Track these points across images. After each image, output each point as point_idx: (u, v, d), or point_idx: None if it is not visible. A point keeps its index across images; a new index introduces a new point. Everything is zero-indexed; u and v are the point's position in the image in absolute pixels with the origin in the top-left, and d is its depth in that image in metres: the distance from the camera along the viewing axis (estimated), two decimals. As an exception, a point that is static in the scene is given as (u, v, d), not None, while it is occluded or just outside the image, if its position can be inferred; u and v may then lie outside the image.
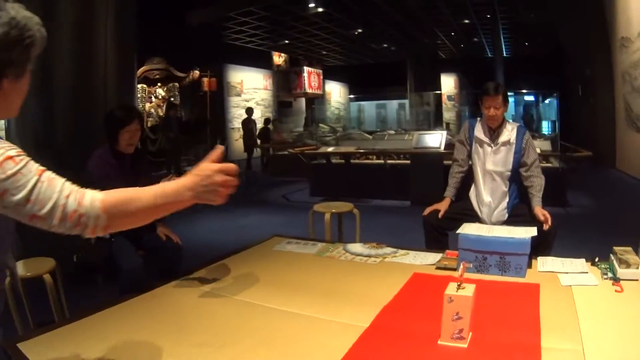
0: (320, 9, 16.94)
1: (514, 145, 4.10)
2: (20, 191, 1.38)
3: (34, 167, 1.45)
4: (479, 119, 4.27)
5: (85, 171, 3.62)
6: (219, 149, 1.64)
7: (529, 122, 20.87)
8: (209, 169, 1.57)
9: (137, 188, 1.56)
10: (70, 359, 2.23)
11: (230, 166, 1.59)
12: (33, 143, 4.89)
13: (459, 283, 2.22)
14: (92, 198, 1.45)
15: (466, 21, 19.69)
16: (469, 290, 2.19)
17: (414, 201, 9.41)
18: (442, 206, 4.21)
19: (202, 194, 1.57)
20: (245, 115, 17.11)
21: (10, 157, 1.40)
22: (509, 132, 4.12)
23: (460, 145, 4.39)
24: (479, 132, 4.21)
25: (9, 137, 5.10)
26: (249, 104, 18.72)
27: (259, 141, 16.95)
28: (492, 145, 4.14)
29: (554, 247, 3.80)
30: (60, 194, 1.42)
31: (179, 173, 13.10)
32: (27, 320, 3.58)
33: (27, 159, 1.46)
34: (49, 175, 1.45)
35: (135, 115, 3.71)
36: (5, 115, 1.64)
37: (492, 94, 3.97)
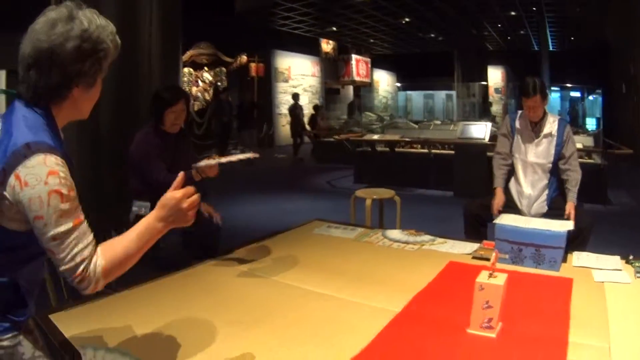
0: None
1: (555, 138, 4.07)
2: (52, 228, 1.49)
3: (74, 214, 1.53)
4: (519, 112, 4.24)
5: (128, 153, 3.70)
6: (180, 176, 1.74)
7: (574, 118, 20.49)
8: (173, 198, 1.65)
9: (120, 240, 1.62)
10: (103, 331, 2.31)
11: (190, 189, 1.69)
12: (76, 122, 4.96)
13: (490, 272, 2.23)
14: (96, 266, 1.54)
15: (513, 13, 19.29)
16: (500, 279, 2.20)
17: (456, 192, 9.34)
18: (500, 200, 4.13)
19: (173, 222, 1.67)
20: (292, 101, 17.13)
21: (61, 194, 1.49)
22: (551, 125, 4.09)
23: (503, 138, 4.36)
24: (520, 125, 4.19)
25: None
26: (296, 90, 18.72)
27: (308, 127, 16.98)
28: (534, 137, 4.11)
29: (590, 243, 3.76)
30: (79, 255, 1.51)
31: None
32: (62, 295, 3.68)
33: (74, 203, 1.54)
34: (80, 229, 1.54)
35: (181, 95, 3.76)
36: (74, 117, 1.74)
37: (532, 94, 3.96)
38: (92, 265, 1.53)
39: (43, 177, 1.47)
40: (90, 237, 1.56)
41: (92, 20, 1.58)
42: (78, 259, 1.51)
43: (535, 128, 4.11)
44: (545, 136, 4.07)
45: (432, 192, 9.87)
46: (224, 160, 3.29)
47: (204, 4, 14.47)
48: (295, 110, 16.30)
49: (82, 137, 4.85)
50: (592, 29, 20.04)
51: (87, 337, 2.17)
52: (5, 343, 1.62)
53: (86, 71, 1.59)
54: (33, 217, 1.48)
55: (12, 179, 1.47)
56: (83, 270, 1.51)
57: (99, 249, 1.57)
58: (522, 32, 23.37)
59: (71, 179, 1.55)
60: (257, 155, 3.38)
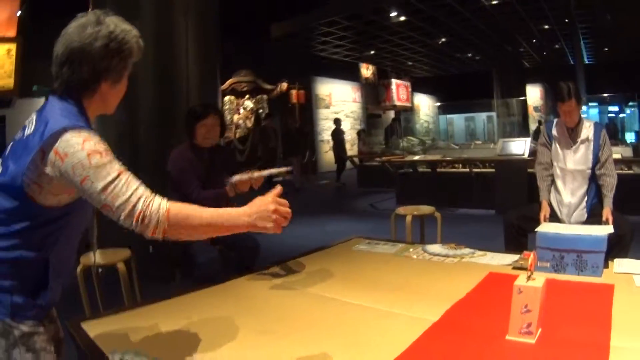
0: (402, 18, 16.93)
1: (592, 142, 4.02)
2: (100, 181, 1.59)
3: (117, 164, 1.66)
4: (555, 120, 4.22)
5: (167, 169, 3.77)
6: (278, 189, 1.83)
7: (613, 132, 20.14)
8: (265, 199, 1.77)
9: (201, 207, 1.72)
10: (133, 338, 2.32)
11: (284, 201, 1.80)
12: (119, 143, 5.13)
13: (529, 274, 2.17)
14: (160, 205, 1.64)
15: (546, 27, 19.14)
16: (539, 281, 2.15)
17: (498, 209, 9.19)
18: (545, 211, 4.10)
19: (257, 220, 1.75)
20: (334, 127, 17.14)
21: (99, 152, 1.63)
22: (587, 130, 4.06)
23: (542, 148, 4.32)
24: (557, 132, 4.16)
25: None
26: (337, 116, 18.80)
27: (350, 153, 17.02)
28: (572, 144, 4.06)
29: (631, 254, 3.66)
30: (134, 194, 1.62)
31: (270, 181, 13.34)
32: (97, 307, 3.73)
33: (113, 156, 1.67)
34: (128, 175, 1.66)
35: (211, 109, 3.83)
36: (102, 111, 1.89)
37: (567, 99, 3.94)
38: (153, 204, 1.63)
39: (79, 145, 1.60)
40: (143, 185, 1.68)
41: (118, 24, 1.77)
42: (134, 198, 1.61)
43: (572, 134, 4.06)
44: (583, 142, 4.03)
45: (474, 211, 9.77)
46: (257, 174, 3.31)
47: (242, 32, 14.72)
48: (337, 135, 16.35)
49: (123, 155, 4.98)
50: (625, 38, 19.69)
51: (117, 344, 2.17)
52: (24, 328, 1.68)
53: (113, 67, 1.77)
54: (79, 181, 1.60)
55: (51, 155, 1.61)
56: (143, 207, 1.61)
57: (165, 199, 1.67)
58: (557, 46, 23.15)
59: (106, 144, 1.68)
60: (289, 169, 3.41)
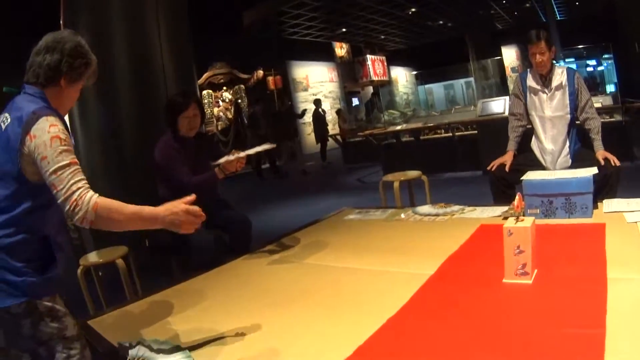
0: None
1: (567, 87, 4.01)
2: (54, 164, 1.86)
3: (72, 155, 1.92)
4: (529, 70, 4.21)
5: (153, 162, 3.76)
6: (191, 197, 2.02)
7: (593, 85, 20.16)
8: (178, 206, 1.97)
9: (125, 204, 1.94)
10: (142, 327, 2.36)
11: (195, 209, 1.99)
12: (103, 143, 5.14)
13: (517, 216, 2.21)
14: (91, 198, 1.87)
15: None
16: (527, 221, 2.19)
17: (485, 170, 9.19)
18: (507, 159, 4.17)
19: (167, 224, 1.97)
20: (314, 108, 16.99)
21: (60, 138, 1.90)
22: (560, 76, 4.05)
23: (515, 98, 4.32)
24: (531, 82, 4.14)
25: (73, 134, 5.38)
26: (317, 97, 18.67)
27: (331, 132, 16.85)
28: (547, 91, 4.07)
29: (619, 196, 3.68)
30: (75, 184, 1.87)
31: (259, 171, 13.25)
32: (100, 305, 3.76)
33: (71, 147, 1.94)
34: (76, 167, 1.91)
35: (192, 99, 3.82)
36: (59, 109, 2.11)
37: (535, 40, 3.94)
38: (86, 196, 1.86)
39: (46, 128, 1.89)
40: (84, 179, 1.91)
41: (87, 47, 2.12)
42: (74, 188, 1.86)
43: (545, 82, 4.07)
44: (557, 88, 4.02)
45: (461, 174, 9.78)
46: (242, 154, 3.32)
47: (214, 25, 14.60)
48: (318, 116, 16.23)
49: (109, 155, 5.05)
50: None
51: (128, 337, 2.18)
52: (46, 303, 1.94)
53: (75, 67, 2.05)
54: (40, 158, 1.87)
55: (27, 138, 1.89)
56: (78, 197, 1.85)
57: (97, 194, 1.90)
58: (527, 4, 23.11)
59: (68, 133, 1.96)
60: (273, 146, 3.42)
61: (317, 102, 16.44)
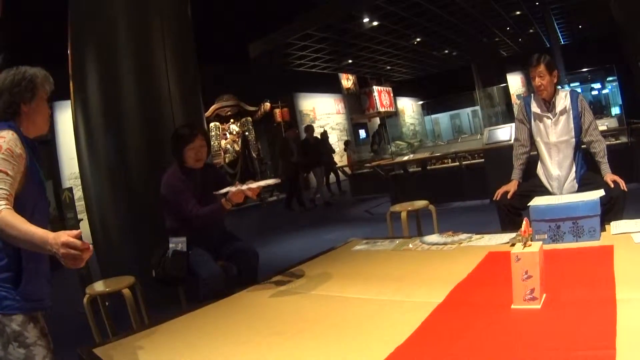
0: (375, 23, 17.03)
1: (571, 111, 4.00)
2: None
3: (4, 164, 2.03)
4: (532, 95, 4.21)
5: (160, 193, 3.78)
6: (77, 231, 1.95)
7: (599, 108, 20.20)
8: (59, 238, 1.89)
9: (23, 222, 1.94)
10: (149, 358, 2.36)
11: (76, 243, 1.89)
12: (110, 177, 5.18)
13: (525, 241, 2.20)
14: None
15: (517, 12, 19.22)
16: (535, 246, 2.17)
17: (492, 198, 9.16)
18: (511, 187, 4.16)
19: (54, 250, 1.90)
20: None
21: (1, 147, 2.04)
22: (564, 100, 4.03)
23: (519, 124, 4.31)
24: (535, 107, 4.13)
25: (82, 168, 5.42)
26: (324, 129, 18.64)
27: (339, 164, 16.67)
28: (551, 116, 4.05)
29: (625, 217, 3.66)
30: None
31: (301, 201, 13.06)
32: (106, 334, 3.75)
33: (9, 158, 2.05)
34: (1, 177, 2.00)
35: (198, 131, 3.84)
36: (37, 131, 2.35)
37: (535, 63, 3.95)
38: None
39: None
40: (8, 191, 2.00)
41: (26, 69, 2.29)
42: None
43: (549, 107, 4.06)
44: (562, 112, 4.01)
45: (468, 203, 9.76)
46: (245, 187, 3.32)
47: (221, 58, 14.72)
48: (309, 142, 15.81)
49: (116, 190, 5.07)
50: (597, 12, 19.70)
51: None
52: (15, 326, 1.97)
53: (23, 90, 2.24)
54: None
55: None
56: None
57: (9, 205, 1.97)
58: (531, 30, 23.22)
59: (17, 150, 2.10)
60: (278, 181, 3.43)
61: (324, 134, 16.21)
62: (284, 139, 14.04)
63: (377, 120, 26.08)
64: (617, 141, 8.90)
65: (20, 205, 2.05)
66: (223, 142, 16.97)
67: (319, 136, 15.33)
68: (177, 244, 3.66)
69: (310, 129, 14.66)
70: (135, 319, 3.70)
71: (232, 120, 17.18)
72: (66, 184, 11.48)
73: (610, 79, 22.44)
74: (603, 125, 9.13)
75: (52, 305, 2.22)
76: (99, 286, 3.91)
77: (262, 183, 3.42)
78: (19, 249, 2.01)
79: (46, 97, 2.36)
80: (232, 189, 3.34)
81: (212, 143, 12.86)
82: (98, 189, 5.24)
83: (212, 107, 16.15)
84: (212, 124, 16.26)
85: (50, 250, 1.90)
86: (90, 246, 1.94)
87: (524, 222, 2.25)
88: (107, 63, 5.21)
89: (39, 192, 2.26)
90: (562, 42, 25.06)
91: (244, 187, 3.34)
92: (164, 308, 3.71)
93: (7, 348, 1.94)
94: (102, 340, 3.09)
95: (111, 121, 5.17)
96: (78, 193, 6.51)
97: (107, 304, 4.03)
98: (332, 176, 16.07)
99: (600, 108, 20.53)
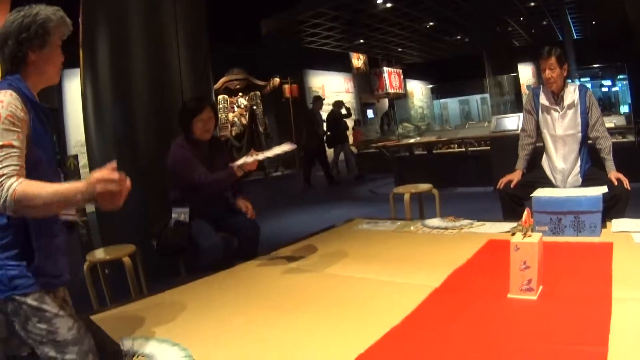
0: (389, 4, 16.89)
1: (579, 106, 3.99)
2: None
3: (11, 136, 1.78)
4: (541, 86, 4.19)
5: (166, 165, 3.79)
6: (112, 164, 1.80)
7: (607, 106, 20.11)
8: (93, 178, 1.74)
9: (43, 185, 1.74)
10: (145, 325, 2.38)
11: (110, 175, 1.75)
12: (114, 140, 5.18)
13: (525, 231, 2.21)
14: (11, 185, 1.70)
15: (532, 4, 19.04)
16: (535, 237, 2.19)
17: (496, 186, 9.16)
18: (515, 177, 4.17)
19: (90, 200, 1.76)
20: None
21: (2, 117, 1.78)
22: (572, 94, 4.02)
23: (527, 114, 4.30)
24: (543, 99, 4.12)
25: (88, 137, 5.43)
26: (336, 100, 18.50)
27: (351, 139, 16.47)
28: (559, 109, 4.04)
29: (627, 216, 3.67)
30: (2, 169, 1.72)
31: (329, 174, 12.98)
32: (105, 301, 3.77)
33: (12, 127, 1.80)
34: (9, 151, 1.76)
35: (205, 103, 3.84)
36: (46, 82, 2.07)
37: (546, 56, 3.93)
38: (6, 184, 1.70)
39: None
40: (17, 164, 1.76)
41: (35, 7, 1.99)
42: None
43: (558, 100, 4.05)
44: (569, 106, 4.00)
45: (472, 190, 9.74)
46: (261, 156, 3.33)
47: (233, 31, 14.64)
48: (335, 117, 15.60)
49: (122, 160, 5.06)
50: (612, 9, 19.54)
51: (129, 333, 2.21)
52: (31, 302, 1.81)
53: (33, 36, 1.94)
54: None
55: None
56: None
57: (22, 178, 1.74)
58: (544, 22, 23.03)
59: (20, 113, 1.83)
60: (294, 147, 3.39)
61: (338, 104, 15.72)
62: (310, 110, 13.77)
63: (386, 102, 26.00)
64: (624, 139, 8.87)
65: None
66: (231, 115, 16.94)
67: (343, 110, 14.88)
68: (180, 214, 3.67)
69: (319, 100, 14.27)
70: (134, 287, 3.72)
71: (240, 94, 17.13)
72: (72, 151, 11.46)
73: (621, 77, 22.29)
74: (611, 122, 9.06)
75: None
76: (99, 253, 3.93)
77: (278, 150, 3.41)
78: (26, 224, 1.85)
79: (60, 42, 2.06)
80: (249, 159, 3.34)
81: (219, 115, 12.79)
82: (104, 158, 5.23)
83: (222, 80, 16.09)
84: (220, 97, 16.21)
85: (83, 198, 1.75)
86: (128, 179, 1.81)
87: (526, 212, 2.26)
88: (118, 33, 5.19)
89: (47, 160, 1.98)
90: (575, 37, 24.88)
91: (260, 155, 3.34)
92: (164, 277, 3.74)
93: (26, 326, 1.80)
94: (100, 307, 3.12)
95: (120, 91, 5.15)
96: (83, 160, 6.50)
97: (106, 272, 4.06)
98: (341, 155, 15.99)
99: (609, 105, 20.42)
